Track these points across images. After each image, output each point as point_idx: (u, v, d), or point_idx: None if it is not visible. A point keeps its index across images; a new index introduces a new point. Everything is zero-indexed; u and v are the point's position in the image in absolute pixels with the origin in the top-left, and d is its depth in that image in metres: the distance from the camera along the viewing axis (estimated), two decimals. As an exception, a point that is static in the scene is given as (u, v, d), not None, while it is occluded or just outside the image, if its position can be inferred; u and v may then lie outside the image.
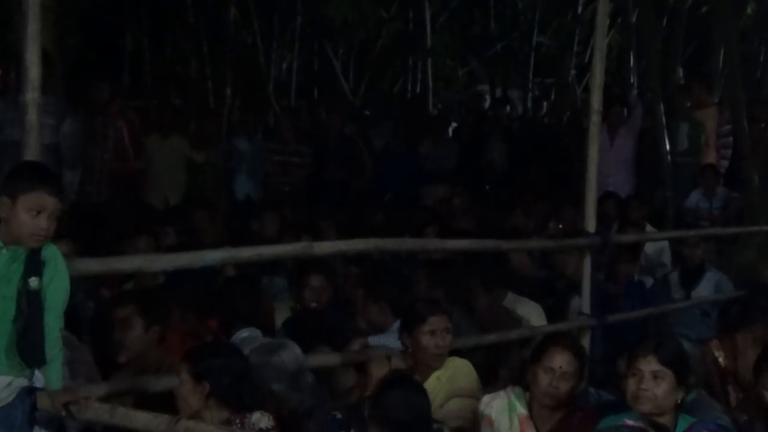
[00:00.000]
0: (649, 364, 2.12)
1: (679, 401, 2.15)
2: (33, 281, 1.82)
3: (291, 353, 2.35)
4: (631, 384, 2.14)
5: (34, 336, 1.82)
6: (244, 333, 2.87)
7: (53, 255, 1.86)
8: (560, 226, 4.71)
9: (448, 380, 2.63)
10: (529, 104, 8.33)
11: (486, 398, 2.47)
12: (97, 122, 4.95)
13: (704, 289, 4.16)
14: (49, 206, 1.83)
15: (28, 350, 1.83)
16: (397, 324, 2.99)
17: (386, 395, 2.15)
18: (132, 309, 2.60)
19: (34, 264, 1.83)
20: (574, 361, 2.38)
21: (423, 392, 2.23)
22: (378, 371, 2.65)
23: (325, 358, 2.81)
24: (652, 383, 2.11)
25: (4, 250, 1.85)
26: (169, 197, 5.35)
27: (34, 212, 1.82)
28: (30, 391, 1.90)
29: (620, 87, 6.78)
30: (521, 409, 2.39)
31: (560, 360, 2.36)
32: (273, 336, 3.04)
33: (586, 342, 3.41)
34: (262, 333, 2.94)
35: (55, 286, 1.85)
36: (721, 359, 2.92)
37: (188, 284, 3.09)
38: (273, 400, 2.25)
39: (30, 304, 1.82)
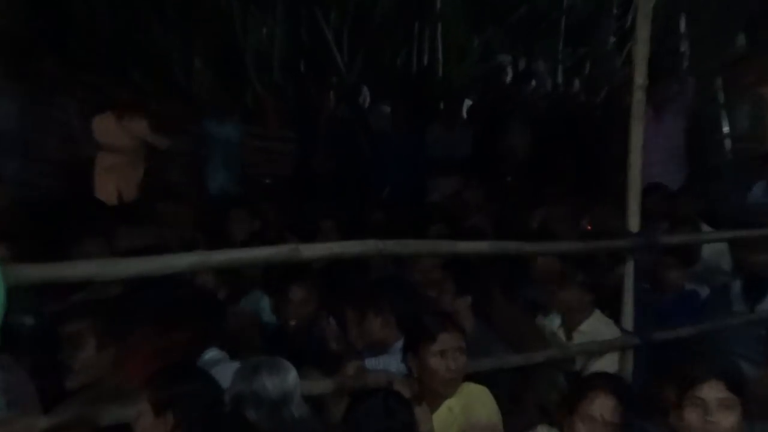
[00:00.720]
0: (717, 392, 2.12)
1: None
2: None
3: (278, 377, 2.33)
4: (692, 416, 2.13)
5: None
6: (208, 354, 2.88)
7: None
8: (588, 226, 4.70)
9: (462, 411, 2.63)
10: (559, 79, 8.32)
11: None
12: (40, 102, 4.95)
13: (773, 305, 4.14)
14: None
15: None
16: (400, 342, 2.98)
17: (358, 407, 2.19)
18: (84, 325, 2.59)
19: None
20: (618, 406, 2.39)
21: (406, 403, 2.26)
22: None
23: (314, 384, 2.79)
24: (721, 414, 2.09)
25: None
26: (126, 191, 5.35)
27: None
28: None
29: (668, 58, 6.75)
30: None
31: (602, 407, 2.37)
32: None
33: (628, 364, 3.42)
34: (243, 352, 2.93)
35: None
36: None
37: (153, 295, 3.08)
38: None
39: None
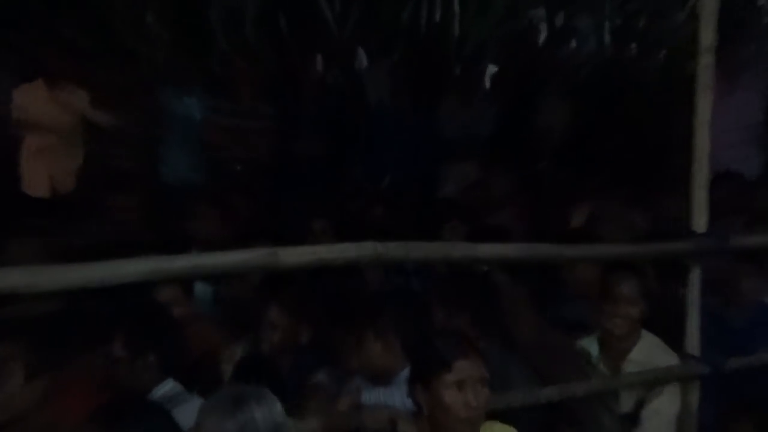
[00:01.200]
0: None
1: None
2: None
3: (266, 407, 2.34)
4: None
5: None
6: (163, 387, 2.93)
7: None
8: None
9: (486, 462, 2.68)
10: (606, 40, 8.33)
11: None
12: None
13: None
14: None
15: None
16: (406, 371, 3.00)
17: None
18: (8, 349, 2.61)
19: None
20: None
21: None
22: None
23: (298, 425, 2.80)
24: None
25: None
26: (61, 181, 5.36)
27: None
28: None
29: (744, 12, 6.77)
30: None
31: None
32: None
33: (694, 396, 3.44)
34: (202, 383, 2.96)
35: None
36: None
37: (95, 311, 3.11)
38: None
39: None
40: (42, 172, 5.41)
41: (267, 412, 2.34)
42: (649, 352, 3.55)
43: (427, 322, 3.40)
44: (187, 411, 2.65)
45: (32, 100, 5.45)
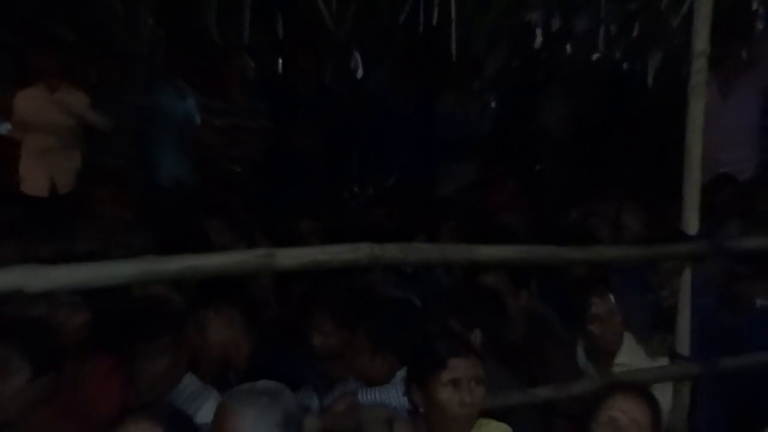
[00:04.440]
0: None
1: None
2: None
3: (293, 400, 2.38)
4: None
5: None
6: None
7: None
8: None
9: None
10: (602, 41, 8.34)
11: None
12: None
13: None
14: None
15: None
16: (401, 372, 3.04)
17: None
18: (11, 350, 2.64)
19: None
20: (643, 407, 2.52)
21: None
22: None
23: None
24: None
25: None
26: (60, 182, 5.40)
27: None
28: None
29: (739, 16, 6.80)
30: None
31: (624, 405, 2.50)
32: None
33: (684, 399, 3.47)
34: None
35: None
36: None
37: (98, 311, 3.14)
38: None
39: None
40: (41, 172, 5.42)
41: (295, 402, 2.39)
42: (634, 354, 3.58)
43: (423, 324, 3.42)
44: (207, 405, 2.68)
45: (32, 102, 5.45)
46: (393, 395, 2.99)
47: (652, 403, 2.58)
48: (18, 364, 2.63)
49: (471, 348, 2.82)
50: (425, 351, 2.77)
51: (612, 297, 3.63)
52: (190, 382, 3.07)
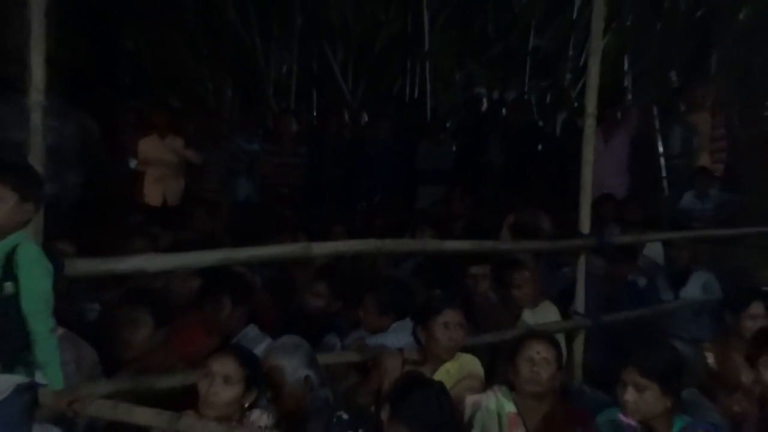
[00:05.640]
0: (631, 376, 2.17)
1: (669, 406, 2.19)
2: (8, 286, 1.81)
3: (306, 351, 2.36)
4: (620, 392, 2.19)
5: (9, 340, 1.81)
6: (249, 331, 2.91)
7: (26, 258, 1.82)
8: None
9: (457, 372, 2.69)
10: (528, 107, 8.35)
11: (471, 399, 2.49)
12: (97, 125, 4.98)
13: (692, 290, 4.20)
14: None
15: (5, 353, 1.82)
16: (395, 325, 3.02)
17: (413, 396, 2.07)
18: (143, 309, 2.62)
19: (9, 268, 1.81)
20: (550, 347, 2.46)
21: (448, 394, 2.18)
22: (392, 365, 2.67)
23: (335, 356, 2.83)
24: (636, 395, 2.15)
25: None
26: (170, 198, 5.37)
27: None
28: (28, 388, 1.90)
29: (616, 90, 6.81)
30: (509, 408, 2.43)
31: (537, 347, 2.43)
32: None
33: (580, 342, 3.45)
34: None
35: (30, 290, 1.81)
36: (710, 361, 2.96)
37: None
38: (287, 395, 2.27)
39: (5, 309, 1.80)
40: (157, 191, 5.42)
41: (311, 350, 2.37)
42: (547, 310, 3.55)
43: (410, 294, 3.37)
44: (261, 347, 2.67)
45: (150, 146, 5.45)
46: (389, 340, 2.97)
47: (557, 346, 2.54)
48: (145, 319, 2.62)
49: (458, 304, 2.81)
50: (428, 303, 2.76)
51: (530, 272, 3.59)
52: (251, 329, 3.03)
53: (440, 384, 2.23)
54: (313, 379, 2.30)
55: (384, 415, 2.07)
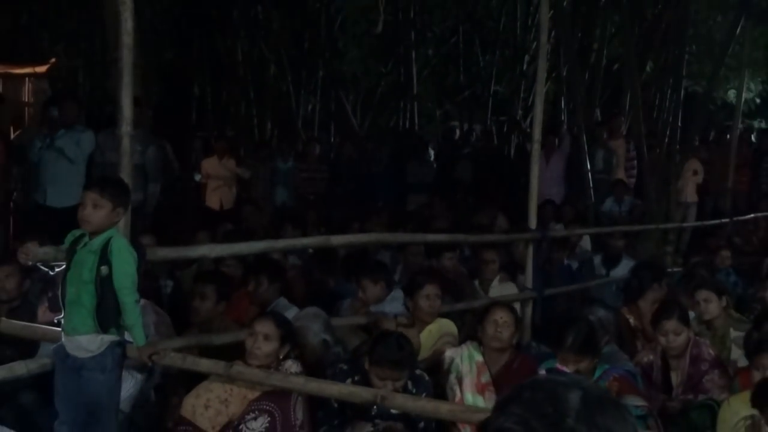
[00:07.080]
0: (569, 356, 2.16)
1: (594, 363, 2.19)
2: (104, 269, 1.83)
3: (324, 319, 2.34)
4: (561, 365, 2.18)
5: (105, 309, 1.84)
6: (280, 302, 2.86)
7: (117, 248, 1.85)
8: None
9: (438, 331, 2.69)
10: (489, 134, 8.37)
11: (449, 353, 2.46)
12: (172, 149, 4.96)
13: (621, 271, 4.16)
14: (85, 200, 1.85)
15: (103, 319, 1.85)
16: (391, 295, 2.98)
17: (379, 344, 2.13)
18: (212, 287, 2.59)
19: (104, 255, 1.84)
20: (510, 313, 2.46)
21: (408, 340, 2.21)
22: (388, 326, 2.62)
23: (347, 320, 2.80)
24: (573, 367, 2.15)
25: (86, 239, 1.87)
26: (226, 203, 5.37)
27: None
28: (119, 344, 1.91)
29: (554, 123, 6.82)
30: (478, 357, 2.42)
31: (500, 313, 2.42)
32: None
33: (529, 309, 3.43)
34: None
35: (120, 272, 1.84)
36: (632, 320, 2.95)
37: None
38: (310, 352, 2.25)
39: (102, 286, 1.83)
40: (216, 198, 5.38)
41: (329, 319, 2.35)
42: (506, 289, 3.49)
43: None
44: (290, 315, 2.64)
45: (211, 165, 5.42)
46: (387, 308, 2.93)
47: (514, 313, 2.52)
48: (211, 294, 2.60)
49: (436, 280, 2.78)
50: (414, 280, 2.76)
51: (495, 255, 3.55)
52: (282, 300, 2.94)
53: (399, 333, 2.24)
54: (329, 341, 2.29)
55: (366, 364, 2.11)
